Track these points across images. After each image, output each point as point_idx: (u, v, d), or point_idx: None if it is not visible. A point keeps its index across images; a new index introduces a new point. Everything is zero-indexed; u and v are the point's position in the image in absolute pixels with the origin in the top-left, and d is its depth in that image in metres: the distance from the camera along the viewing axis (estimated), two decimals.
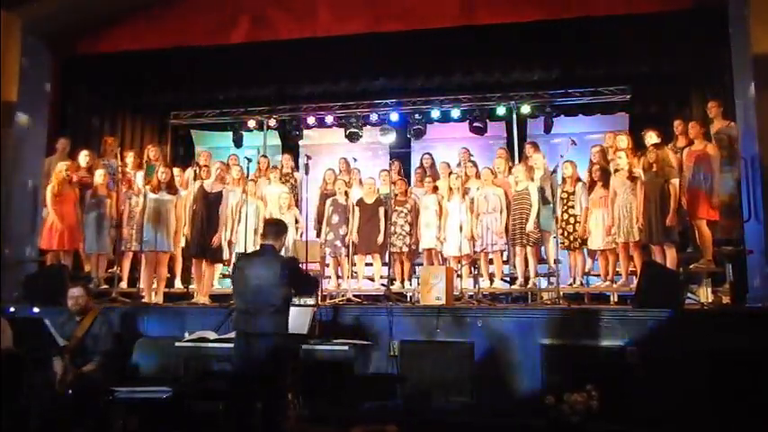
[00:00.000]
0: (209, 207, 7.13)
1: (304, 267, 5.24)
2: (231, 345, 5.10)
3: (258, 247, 5.00)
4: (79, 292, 5.60)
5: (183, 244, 7.58)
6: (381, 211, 7.85)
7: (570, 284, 7.36)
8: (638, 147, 7.48)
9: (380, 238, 7.78)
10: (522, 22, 7.90)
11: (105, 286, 7.60)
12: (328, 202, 8.11)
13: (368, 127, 10.18)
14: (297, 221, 7.96)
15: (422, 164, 9.02)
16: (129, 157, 8.28)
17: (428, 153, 9.23)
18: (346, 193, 8.13)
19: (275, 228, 4.88)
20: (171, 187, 7.29)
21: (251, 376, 4.59)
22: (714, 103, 7.16)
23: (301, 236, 7.75)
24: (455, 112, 9.77)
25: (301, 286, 4.93)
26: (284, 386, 4.71)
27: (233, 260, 8.08)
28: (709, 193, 6.47)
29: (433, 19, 8.07)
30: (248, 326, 4.57)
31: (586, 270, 7.55)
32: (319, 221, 8.37)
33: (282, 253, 4.96)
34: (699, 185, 6.50)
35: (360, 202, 8.00)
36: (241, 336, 4.61)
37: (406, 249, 7.85)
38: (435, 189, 8.00)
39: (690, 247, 7.11)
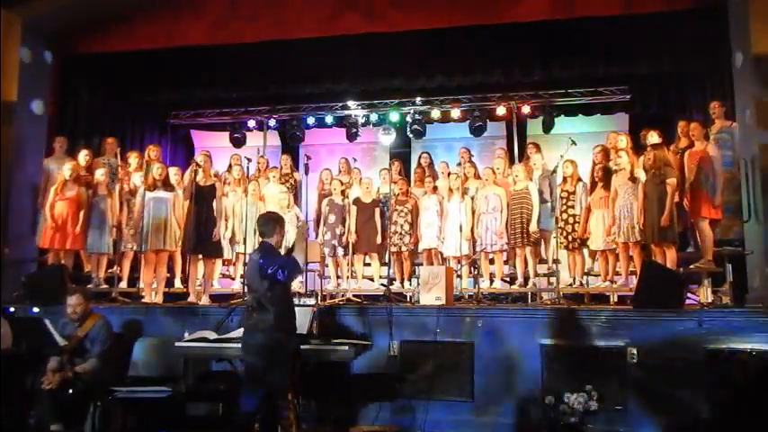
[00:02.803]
0: (202, 201, 7.06)
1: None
2: (231, 345, 5.15)
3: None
4: (77, 300, 5.56)
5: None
6: (378, 211, 7.85)
7: (570, 284, 7.35)
8: (639, 147, 7.48)
9: (379, 239, 7.78)
10: (522, 23, 7.91)
11: (105, 286, 7.60)
12: (324, 201, 8.11)
13: (368, 127, 10.19)
14: (298, 220, 7.96)
15: (420, 163, 9.03)
16: (133, 158, 8.26)
17: (426, 152, 9.24)
18: (343, 193, 8.13)
19: (265, 223, 4.85)
20: (167, 184, 7.25)
21: (247, 373, 4.66)
22: (717, 102, 7.15)
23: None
24: (455, 112, 9.77)
25: (281, 269, 4.51)
26: (284, 386, 4.72)
27: (233, 259, 8.14)
28: (712, 193, 6.46)
29: (434, 19, 8.08)
30: (245, 323, 4.69)
31: (586, 270, 7.55)
32: (318, 221, 8.37)
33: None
34: (701, 186, 6.50)
35: (357, 202, 8.00)
36: (243, 333, 4.72)
37: (405, 249, 7.85)
38: (435, 189, 8.00)
39: (690, 247, 7.10)
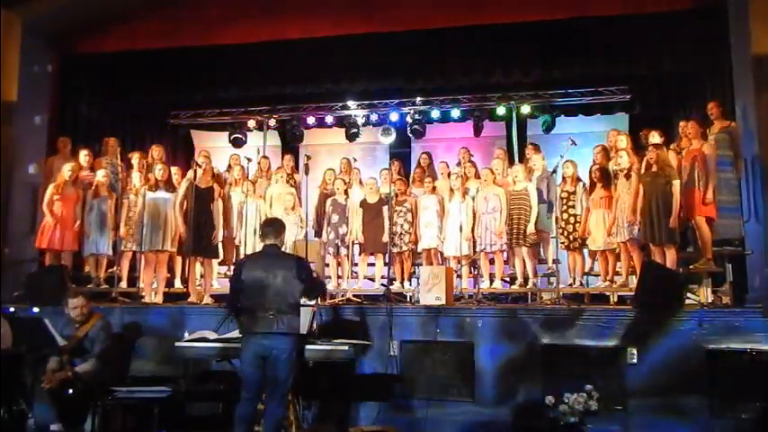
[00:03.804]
0: (202, 203, 7.06)
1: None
2: (231, 345, 5.13)
3: (261, 248, 5.00)
4: (81, 302, 5.58)
5: None
6: (385, 210, 7.85)
7: (570, 285, 7.35)
8: (638, 147, 7.47)
9: (385, 237, 7.78)
10: (522, 22, 7.91)
11: (105, 286, 7.60)
12: (328, 201, 8.11)
13: (368, 127, 10.19)
14: (301, 221, 7.95)
15: (420, 163, 9.02)
16: (135, 158, 8.25)
17: (426, 152, 9.23)
18: (346, 192, 8.13)
19: (274, 227, 4.91)
20: (169, 185, 7.25)
21: (261, 377, 4.62)
22: (714, 103, 7.16)
23: (305, 236, 7.73)
24: (455, 112, 9.77)
25: (313, 288, 4.92)
26: (288, 386, 4.73)
27: (233, 260, 8.13)
28: (705, 191, 6.46)
29: (434, 19, 8.08)
30: (260, 327, 4.58)
31: (586, 270, 7.54)
32: (318, 221, 8.37)
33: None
34: (695, 184, 6.50)
35: (363, 203, 8.00)
36: (252, 337, 4.63)
37: (406, 249, 7.84)
38: (435, 189, 8.00)
39: (690, 247, 7.10)
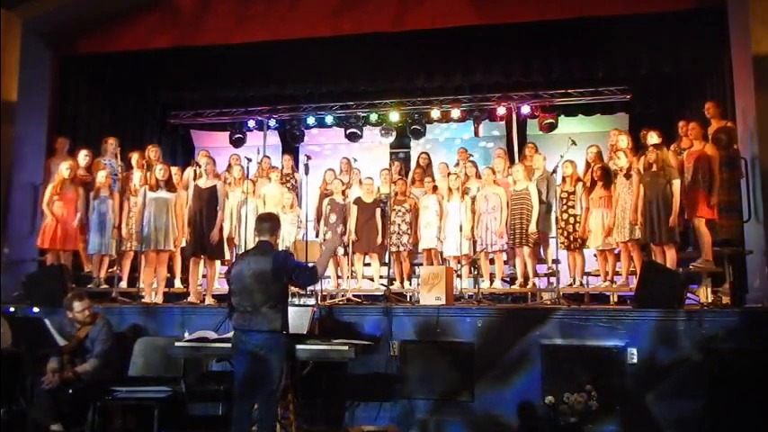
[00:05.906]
0: (204, 204, 7.04)
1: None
2: (230, 345, 5.12)
3: (254, 245, 4.95)
4: (87, 304, 5.57)
5: (183, 243, 7.56)
6: (379, 211, 7.86)
7: (570, 284, 7.35)
8: (638, 147, 7.48)
9: (379, 239, 7.78)
10: (522, 22, 7.91)
11: (105, 286, 7.60)
12: (325, 201, 8.12)
13: (368, 127, 10.19)
14: (300, 221, 7.95)
15: (419, 163, 9.03)
16: (134, 158, 8.25)
17: (425, 152, 9.24)
18: (344, 192, 8.13)
19: (268, 223, 4.84)
20: (169, 185, 7.24)
21: (247, 374, 4.59)
22: (711, 103, 7.16)
23: (304, 236, 7.74)
24: (455, 113, 9.78)
25: (298, 276, 4.67)
26: (282, 385, 4.71)
27: (232, 260, 8.13)
28: (709, 192, 6.46)
29: (434, 19, 8.09)
30: (243, 323, 4.57)
31: (586, 270, 7.54)
32: (319, 221, 8.37)
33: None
34: (698, 185, 6.50)
35: (358, 201, 7.99)
36: (237, 334, 4.62)
37: (404, 249, 7.85)
38: (435, 189, 8.00)
39: (690, 247, 7.11)
